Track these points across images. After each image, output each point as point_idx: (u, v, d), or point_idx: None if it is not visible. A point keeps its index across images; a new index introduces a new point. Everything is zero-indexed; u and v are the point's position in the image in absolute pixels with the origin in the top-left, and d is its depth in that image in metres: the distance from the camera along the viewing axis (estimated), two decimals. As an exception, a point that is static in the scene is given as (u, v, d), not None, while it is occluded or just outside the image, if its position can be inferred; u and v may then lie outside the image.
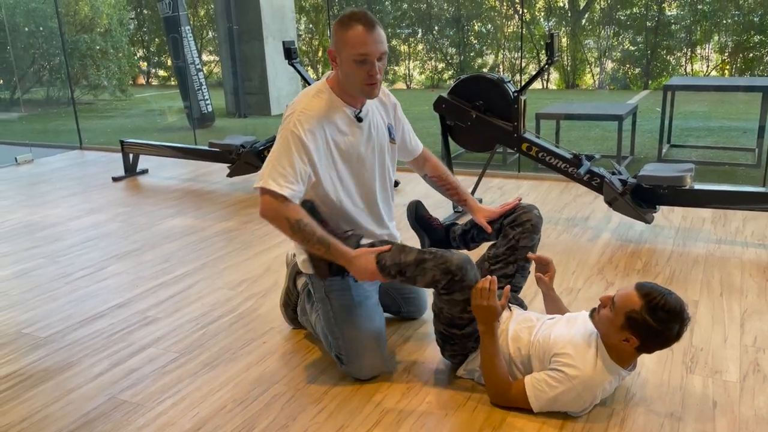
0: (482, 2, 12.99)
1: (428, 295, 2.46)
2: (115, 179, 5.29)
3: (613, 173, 3.50)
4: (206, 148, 4.93)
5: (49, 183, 5.32)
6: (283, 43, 4.36)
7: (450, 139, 3.87)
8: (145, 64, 15.28)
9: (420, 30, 13.71)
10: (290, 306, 2.53)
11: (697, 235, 3.43)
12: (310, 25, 14.68)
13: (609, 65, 12.47)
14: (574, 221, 3.74)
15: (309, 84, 4.37)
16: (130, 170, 5.40)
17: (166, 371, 2.29)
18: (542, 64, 3.55)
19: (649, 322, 1.80)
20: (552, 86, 12.75)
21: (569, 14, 12.81)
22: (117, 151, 5.58)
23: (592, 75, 12.63)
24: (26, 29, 10.22)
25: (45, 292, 3.05)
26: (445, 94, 3.76)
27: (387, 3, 14.00)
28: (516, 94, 3.57)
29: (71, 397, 2.15)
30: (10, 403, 2.13)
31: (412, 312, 2.57)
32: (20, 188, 5.19)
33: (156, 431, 1.95)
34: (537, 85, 12.83)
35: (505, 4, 12.79)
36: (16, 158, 6.18)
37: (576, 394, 1.87)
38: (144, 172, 5.48)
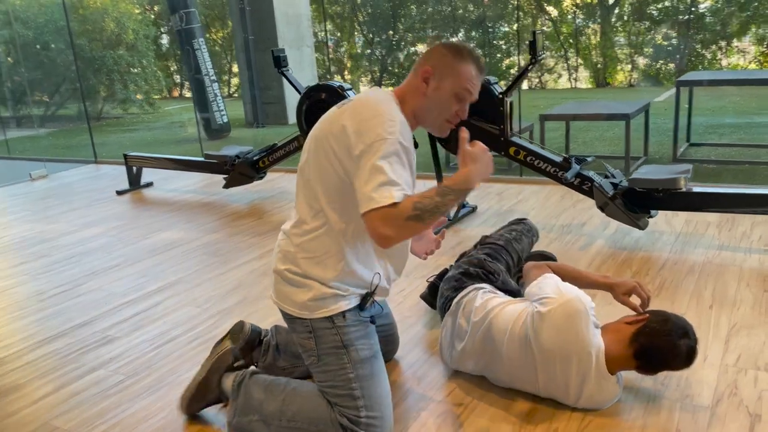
0: (507, 3, 12.73)
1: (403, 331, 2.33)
2: (119, 192, 5.31)
3: (606, 176, 3.29)
4: (203, 159, 4.90)
5: (56, 198, 5.37)
6: (272, 51, 4.29)
7: (439, 145, 3.72)
8: (177, 77, 15.55)
9: (446, 34, 13.54)
10: (200, 403, 2.00)
11: (698, 241, 3.20)
12: (338, 33, 14.67)
13: (641, 62, 12.07)
14: (569, 228, 3.54)
15: (300, 93, 4.31)
16: (135, 183, 5.42)
17: (108, 395, 2.21)
18: (527, 64, 3.36)
19: (656, 328, 1.80)
20: (582, 85, 12.41)
21: (598, 10, 12.44)
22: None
23: (624, 72, 12.24)
24: (52, 46, 10.47)
25: (17, 310, 3.03)
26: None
27: (413, 6, 13.90)
28: (501, 95, 3.40)
29: (6, 423, 2.10)
30: (-55, 429, 2.09)
31: (389, 352, 2.24)
32: (28, 203, 5.26)
33: (79, 460, 1.87)
34: (565, 83, 12.51)
35: (531, 3, 12.50)
36: (30, 173, 6.30)
37: (556, 285, 1.89)
38: (149, 185, 5.49)
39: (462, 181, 1.69)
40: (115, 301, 3.03)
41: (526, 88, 12.36)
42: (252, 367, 2.03)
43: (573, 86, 12.15)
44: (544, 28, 12.65)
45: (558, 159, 3.35)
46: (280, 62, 4.28)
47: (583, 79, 12.69)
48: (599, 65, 12.35)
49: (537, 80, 12.69)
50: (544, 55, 3.25)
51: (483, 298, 2.02)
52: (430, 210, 1.62)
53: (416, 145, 1.88)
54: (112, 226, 4.33)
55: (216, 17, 13.58)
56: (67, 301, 3.08)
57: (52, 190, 5.70)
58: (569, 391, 1.86)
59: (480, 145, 1.75)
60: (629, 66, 12.15)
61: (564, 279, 1.94)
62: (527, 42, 3.26)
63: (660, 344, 1.77)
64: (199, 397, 2.00)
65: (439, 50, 1.83)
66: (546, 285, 1.89)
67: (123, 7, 11.37)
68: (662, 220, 3.51)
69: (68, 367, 2.43)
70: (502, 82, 3.55)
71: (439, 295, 2.22)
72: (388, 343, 2.21)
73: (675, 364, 1.79)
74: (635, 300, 1.95)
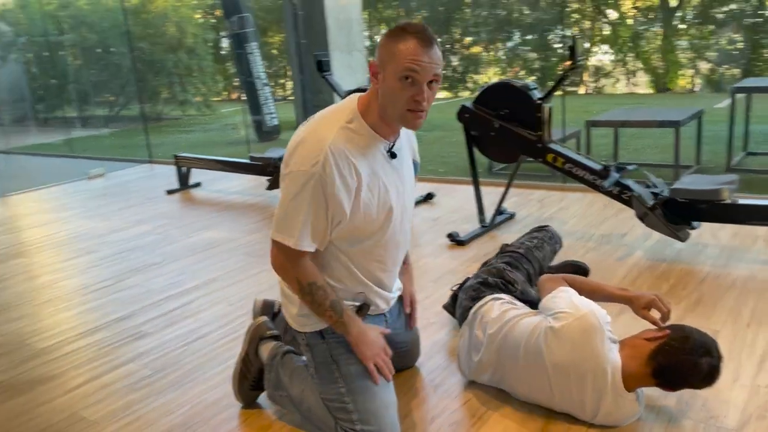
0: (565, 5, 12.51)
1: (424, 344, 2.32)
2: (169, 192, 5.47)
3: (647, 186, 3.20)
4: (248, 161, 5.00)
5: (111, 196, 5.59)
6: (315, 55, 4.35)
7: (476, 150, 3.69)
8: (236, 80, 15.92)
9: (501, 36, 13.41)
10: (248, 380, 2.06)
11: (743, 255, 3.06)
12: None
13: (703, 66, 11.64)
14: (608, 238, 3.45)
15: (341, 96, 4.35)
16: (184, 183, 5.57)
17: (135, 388, 2.29)
18: (565, 70, 3.30)
19: (676, 346, 1.75)
20: (641, 90, 12.05)
21: (660, 13, 12.08)
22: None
23: (685, 77, 11.83)
24: (112, 49, 10.89)
25: (61, 303, 3.17)
26: (469, 104, 3.59)
27: (467, 10, 13.83)
28: (539, 101, 3.35)
29: (39, 411, 2.20)
30: (-16, 414, 2.21)
31: (407, 363, 2.25)
32: (84, 201, 5.49)
33: (101, 451, 1.94)
34: (623, 88, 12.19)
35: (589, 6, 12.23)
36: (89, 172, 6.57)
37: (570, 299, 1.85)
38: (197, 185, 5.63)
39: (353, 325, 1.80)
40: (153, 298, 3.13)
41: (582, 92, 12.11)
42: (286, 346, 2.05)
43: (631, 91, 11.83)
44: (605, 31, 12.38)
45: (597, 167, 3.26)
46: (322, 66, 4.34)
47: (643, 84, 12.35)
48: (659, 70, 11.99)
49: (593, 84, 12.41)
50: (583, 60, 3.18)
51: (500, 309, 2.00)
52: (316, 302, 1.76)
53: (393, 156, 1.79)
54: (159, 225, 4.47)
55: (273, 21, 13.85)
56: (108, 296, 3.20)
57: (108, 189, 5.93)
58: (585, 408, 1.81)
59: (381, 340, 1.86)
60: (691, 71, 11.75)
61: (580, 292, 1.90)
62: (567, 47, 3.20)
63: (680, 363, 1.71)
64: (245, 371, 2.06)
65: (381, 40, 1.66)
66: (560, 299, 1.85)
67: (184, 11, 11.72)
68: (708, 232, 3.38)
69: (102, 360, 2.53)
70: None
71: (457, 304, 2.21)
72: (404, 356, 2.19)
73: (696, 383, 1.73)
74: (655, 314, 1.89)
